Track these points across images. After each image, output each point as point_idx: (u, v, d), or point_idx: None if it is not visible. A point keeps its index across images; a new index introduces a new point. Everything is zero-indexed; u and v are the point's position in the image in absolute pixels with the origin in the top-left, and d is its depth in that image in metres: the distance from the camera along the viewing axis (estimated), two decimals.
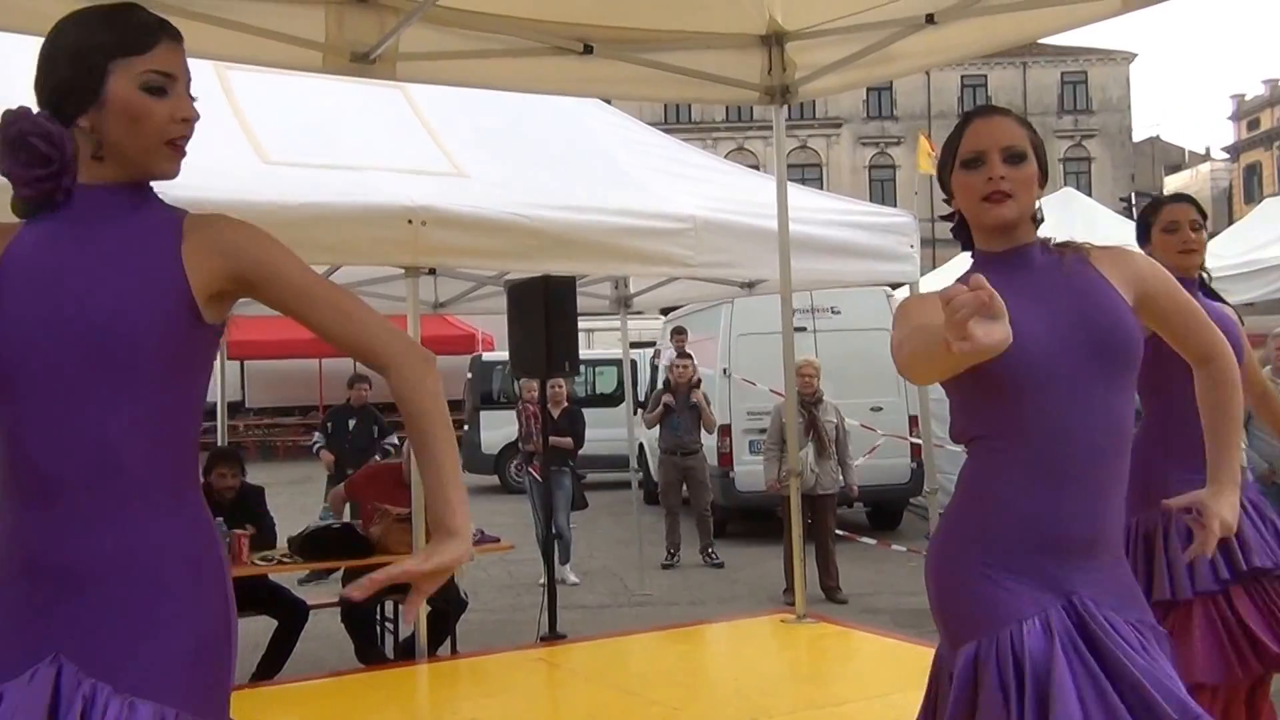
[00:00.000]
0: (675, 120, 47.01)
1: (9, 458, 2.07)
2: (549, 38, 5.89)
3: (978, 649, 2.48)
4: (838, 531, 10.81)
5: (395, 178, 6.60)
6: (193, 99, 2.21)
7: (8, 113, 2.13)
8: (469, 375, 21.38)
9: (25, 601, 2.04)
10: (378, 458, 10.86)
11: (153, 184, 2.24)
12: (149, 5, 4.27)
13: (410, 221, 6.18)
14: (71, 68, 2.13)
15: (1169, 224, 4.12)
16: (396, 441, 11.72)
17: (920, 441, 12.91)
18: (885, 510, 14.61)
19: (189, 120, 2.18)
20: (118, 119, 2.12)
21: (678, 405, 12.13)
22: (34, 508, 2.06)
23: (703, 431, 12.29)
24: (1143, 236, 4.22)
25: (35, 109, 2.14)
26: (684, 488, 12.41)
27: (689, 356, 12.45)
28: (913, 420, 13.61)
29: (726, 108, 49.05)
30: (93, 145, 2.14)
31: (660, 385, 13.09)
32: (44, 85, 2.16)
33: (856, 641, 6.88)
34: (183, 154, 2.19)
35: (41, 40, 2.19)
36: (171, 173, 2.20)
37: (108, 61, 2.12)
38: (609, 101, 8.83)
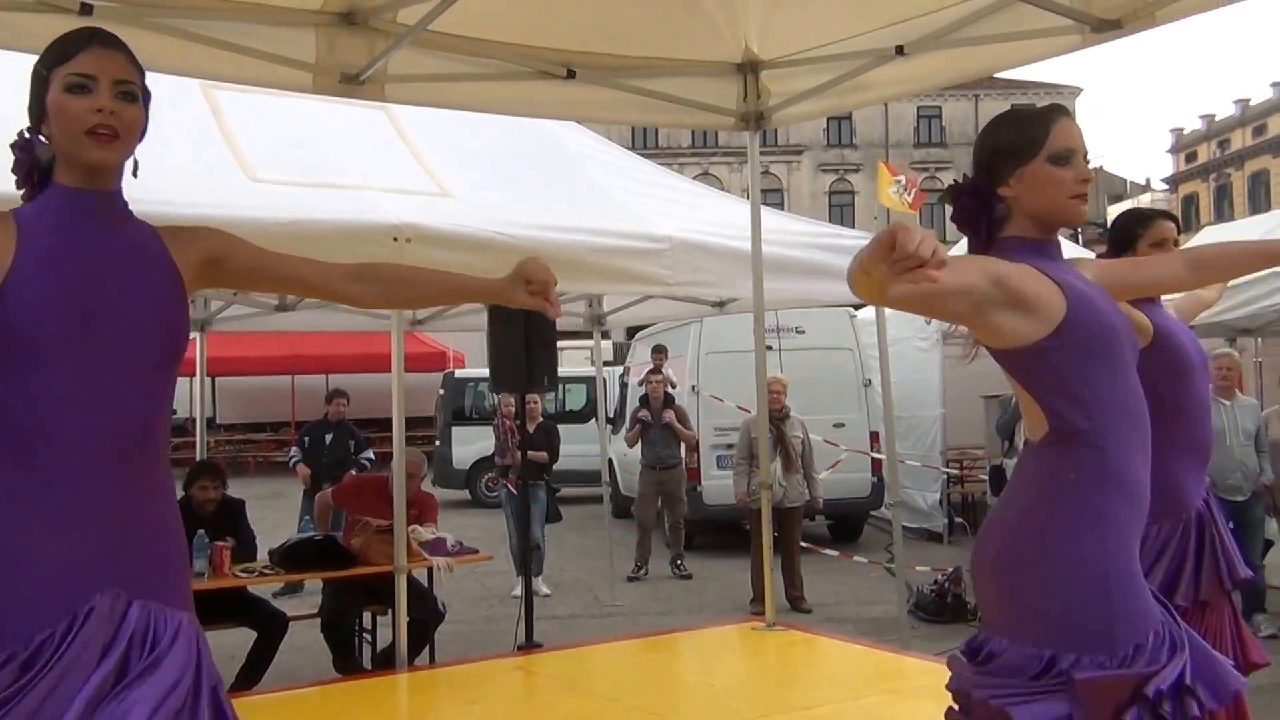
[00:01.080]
0: (643, 145, 47.25)
1: (78, 424, 2.36)
2: (533, 62, 6.05)
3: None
4: (802, 544, 11.04)
5: (380, 196, 6.72)
6: (131, 95, 2.49)
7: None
8: (441, 391, 21.55)
9: (83, 548, 2.34)
10: (353, 472, 10.96)
11: (127, 197, 2.57)
12: (152, 17, 4.47)
13: (395, 239, 6.29)
14: (31, 87, 2.52)
15: (1159, 240, 4.22)
16: (373, 456, 11.87)
17: (881, 456, 13.20)
18: (847, 523, 14.89)
19: (103, 110, 2.44)
20: (53, 120, 2.47)
21: (653, 420, 12.32)
22: (95, 469, 2.37)
23: (683, 446, 12.53)
24: (1124, 245, 4.28)
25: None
26: (659, 501, 12.57)
27: (660, 372, 12.64)
28: (874, 436, 13.94)
29: (693, 133, 49.44)
30: (51, 149, 2.49)
31: (636, 402, 13.27)
32: (27, 107, 2.56)
33: (823, 648, 7.07)
34: (109, 143, 2.46)
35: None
36: (101, 161, 2.47)
37: (48, 74, 2.48)
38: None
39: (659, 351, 13.22)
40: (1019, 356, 2.59)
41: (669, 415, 12.27)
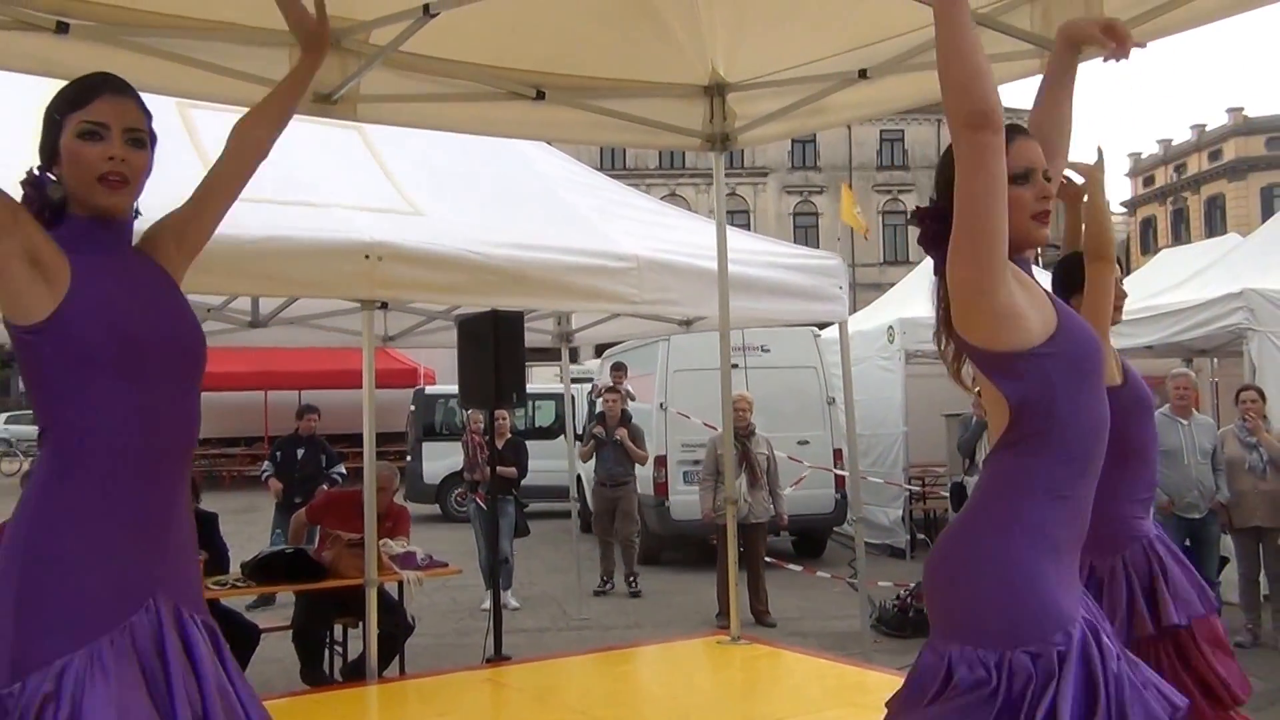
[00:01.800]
0: (610, 165, 47.46)
1: (137, 441, 2.55)
2: (504, 83, 6.14)
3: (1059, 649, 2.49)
4: (766, 559, 11.16)
5: (352, 214, 6.81)
6: (140, 142, 2.65)
7: None
8: (412, 408, 21.67)
9: (134, 550, 2.54)
10: (325, 486, 11.01)
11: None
12: (128, 36, 4.56)
13: (367, 256, 6.39)
14: (43, 129, 2.65)
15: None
16: (344, 471, 11.91)
17: (844, 473, 13.34)
18: (810, 538, 15.04)
19: (115, 158, 2.58)
20: (66, 164, 2.61)
21: (606, 437, 12.39)
22: (145, 478, 2.56)
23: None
24: (1072, 288, 4.20)
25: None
26: (614, 517, 12.61)
27: (616, 390, 12.67)
28: (837, 453, 14.10)
29: (660, 154, 49.60)
30: (62, 190, 2.61)
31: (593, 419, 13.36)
32: (38, 147, 2.68)
33: (788, 661, 7.16)
34: (119, 189, 2.62)
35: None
36: (111, 206, 2.64)
37: (61, 119, 2.62)
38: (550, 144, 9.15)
39: (618, 369, 13.25)
40: (1008, 360, 2.56)
41: (621, 433, 12.31)
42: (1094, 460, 2.64)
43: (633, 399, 13.16)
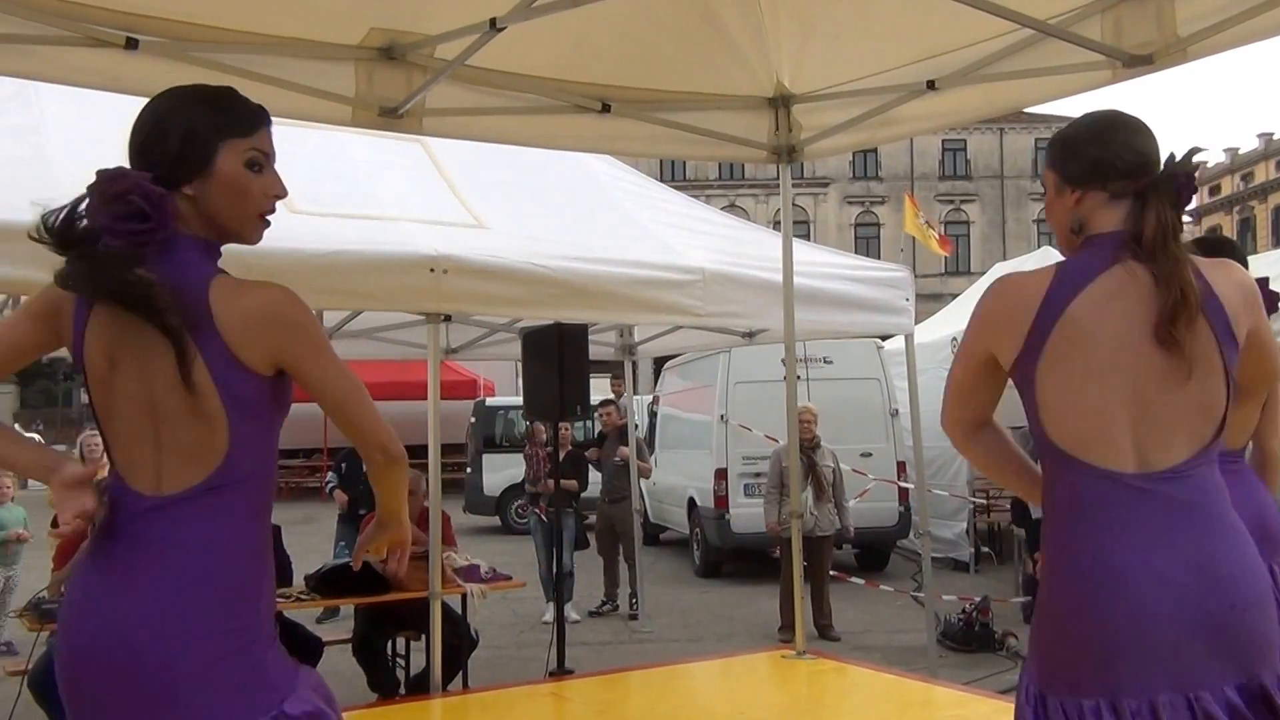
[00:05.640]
0: (671, 177, 47.57)
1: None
2: (569, 97, 6.12)
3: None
4: (830, 572, 11.07)
5: (417, 228, 6.84)
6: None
7: (107, 172, 2.36)
8: (472, 419, 21.69)
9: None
10: None
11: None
12: (187, 55, 4.56)
13: (432, 270, 6.41)
14: (183, 143, 2.40)
15: None
16: None
17: (908, 486, 13.24)
18: (874, 551, 14.95)
19: (279, 196, 2.49)
20: (222, 191, 2.42)
21: (605, 451, 12.07)
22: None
23: (633, 481, 11.66)
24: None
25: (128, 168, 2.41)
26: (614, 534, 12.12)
27: (613, 403, 12.33)
28: (900, 465, 13.98)
29: (720, 166, 49.61)
30: (192, 209, 2.42)
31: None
32: (149, 152, 2.41)
33: (854, 677, 7.08)
34: (268, 225, 2.51)
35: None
36: (257, 240, 2.52)
37: (219, 140, 2.41)
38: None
39: (617, 377, 12.68)
40: None
41: (623, 453, 11.72)
42: None
43: (651, 408, 12.74)
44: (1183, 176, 2.56)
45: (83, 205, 2.35)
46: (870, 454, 14.03)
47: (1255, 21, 4.59)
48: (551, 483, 9.17)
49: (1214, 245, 4.25)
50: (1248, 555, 2.42)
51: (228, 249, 2.53)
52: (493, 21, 5.00)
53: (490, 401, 22.14)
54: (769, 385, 10.96)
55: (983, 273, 27.76)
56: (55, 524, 10.03)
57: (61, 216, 2.35)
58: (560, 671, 7.63)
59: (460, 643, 7.69)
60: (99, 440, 2.73)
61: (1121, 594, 2.36)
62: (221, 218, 2.45)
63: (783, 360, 7.53)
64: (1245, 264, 4.00)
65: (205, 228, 2.45)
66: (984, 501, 14.91)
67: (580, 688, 7.09)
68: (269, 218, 2.50)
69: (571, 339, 7.34)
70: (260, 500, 2.47)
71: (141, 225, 2.33)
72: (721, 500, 13.95)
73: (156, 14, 4.81)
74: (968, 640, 9.74)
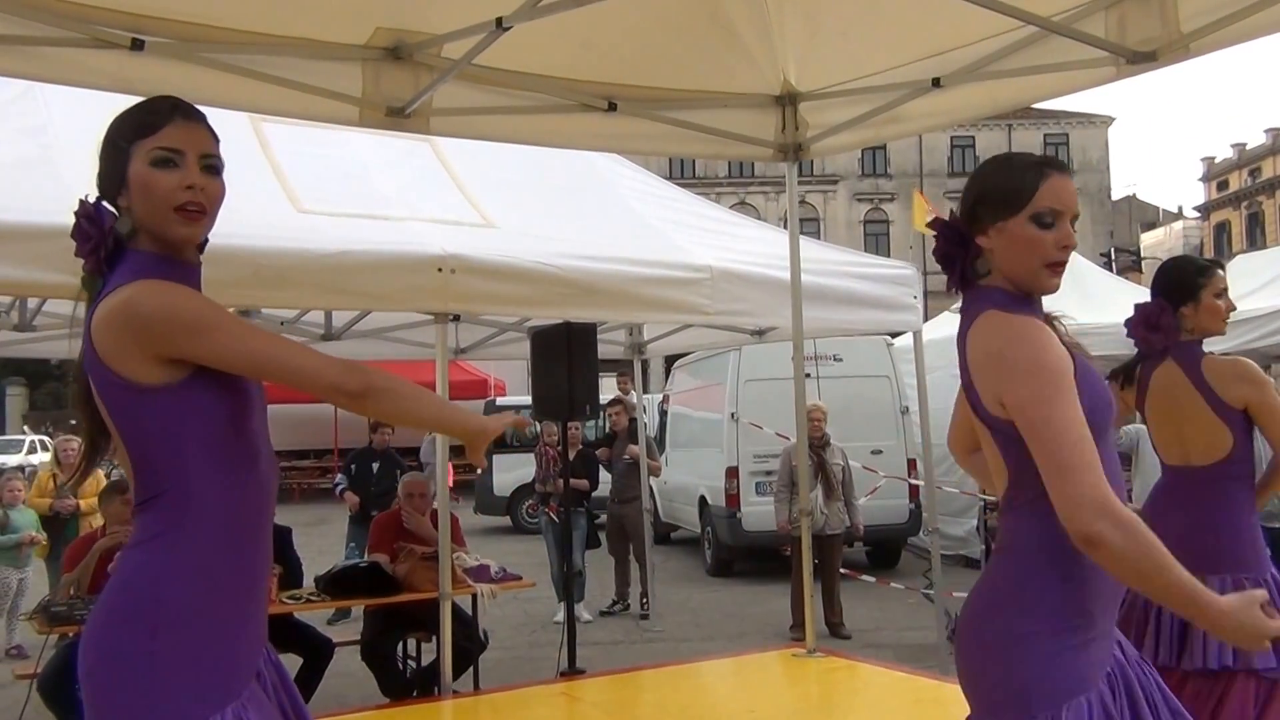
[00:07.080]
0: (680, 175, 47.53)
1: (268, 506, 2.60)
2: (576, 95, 6.11)
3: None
4: (840, 570, 11.06)
5: (425, 227, 6.84)
6: (215, 169, 2.49)
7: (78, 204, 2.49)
8: None
9: (258, 615, 2.57)
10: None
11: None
12: (193, 56, 4.56)
13: (440, 269, 6.41)
14: (104, 158, 2.48)
15: (1221, 290, 4.19)
16: None
17: (918, 483, 13.21)
18: (884, 549, 14.93)
19: (193, 187, 2.42)
20: (136, 193, 2.43)
21: (615, 451, 12.04)
22: (262, 546, 2.60)
23: (643, 480, 11.59)
24: (1187, 297, 4.19)
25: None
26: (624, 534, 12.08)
27: (620, 403, 12.27)
28: (911, 463, 13.94)
29: (729, 163, 49.52)
30: (130, 221, 2.45)
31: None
32: (96, 176, 2.52)
33: (865, 675, 7.07)
34: (197, 219, 2.46)
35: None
36: (187, 236, 2.47)
37: (129, 146, 2.44)
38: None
39: (623, 376, 12.72)
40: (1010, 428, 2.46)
41: (633, 452, 11.69)
42: None
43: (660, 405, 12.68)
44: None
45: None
46: (881, 451, 13.99)
47: (1258, 17, 4.58)
48: (562, 482, 9.15)
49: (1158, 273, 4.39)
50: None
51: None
52: (499, 21, 5.00)
53: (500, 401, 22.07)
54: (780, 383, 10.91)
55: None
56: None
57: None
58: (571, 671, 7.63)
59: (470, 644, 7.67)
60: (75, 445, 2.77)
61: None
62: (144, 221, 2.45)
63: (793, 358, 7.52)
64: (1189, 284, 4.21)
65: (146, 237, 2.46)
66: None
67: (591, 688, 7.09)
68: (191, 210, 2.43)
69: (580, 338, 7.33)
70: (194, 520, 2.40)
71: (87, 245, 2.45)
72: (733, 498, 13.94)
73: (163, 15, 4.81)
74: None
